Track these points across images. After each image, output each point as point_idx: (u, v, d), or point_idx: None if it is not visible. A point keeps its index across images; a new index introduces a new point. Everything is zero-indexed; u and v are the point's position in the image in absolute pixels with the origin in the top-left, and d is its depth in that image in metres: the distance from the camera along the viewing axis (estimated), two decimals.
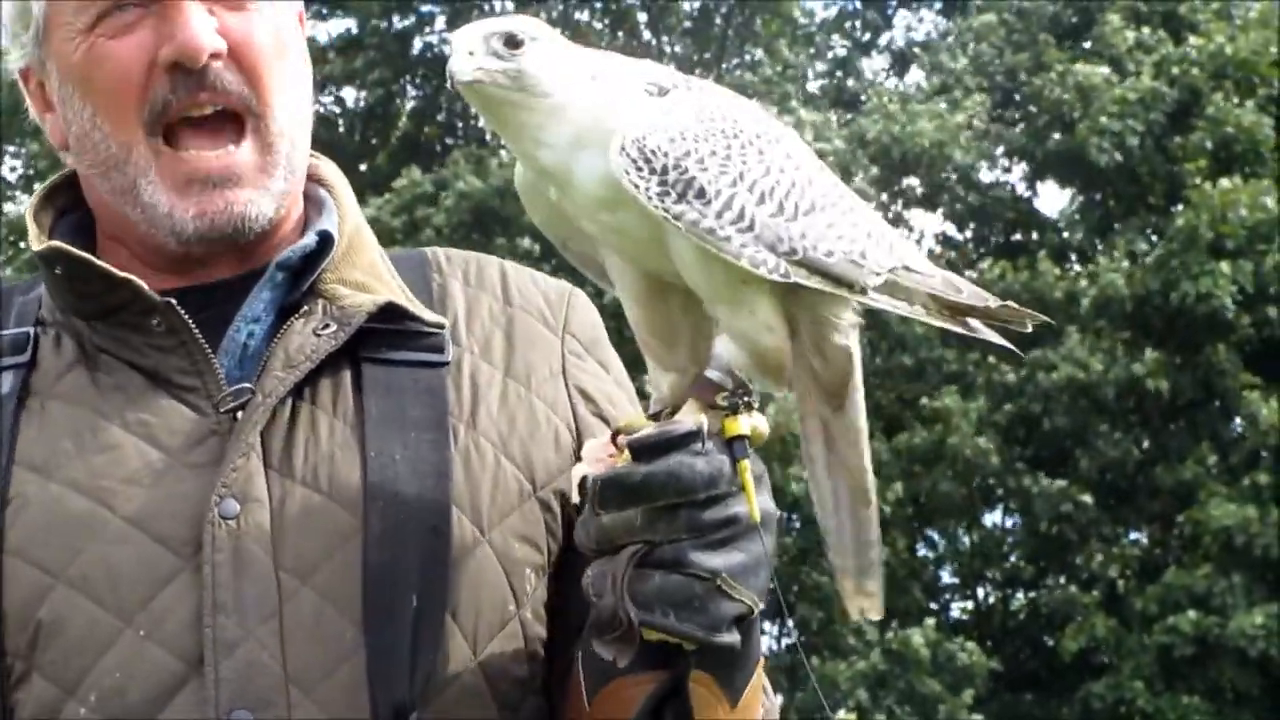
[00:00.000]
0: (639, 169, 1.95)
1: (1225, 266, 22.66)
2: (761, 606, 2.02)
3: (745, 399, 2.02)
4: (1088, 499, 23.25)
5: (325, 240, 2.31)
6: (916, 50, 29.65)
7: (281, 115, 2.26)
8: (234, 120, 2.25)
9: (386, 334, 2.26)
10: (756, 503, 2.00)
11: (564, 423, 2.30)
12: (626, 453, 2.00)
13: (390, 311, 2.26)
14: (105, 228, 2.34)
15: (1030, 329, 2.09)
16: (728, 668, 2.05)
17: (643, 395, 2.30)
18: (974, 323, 2.10)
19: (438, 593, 2.14)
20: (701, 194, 1.95)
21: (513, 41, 2.01)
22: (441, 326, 2.29)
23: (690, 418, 2.01)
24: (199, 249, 2.26)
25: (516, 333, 2.35)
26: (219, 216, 2.23)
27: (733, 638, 2.00)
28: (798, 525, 23.34)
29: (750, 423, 2.02)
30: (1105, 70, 24.19)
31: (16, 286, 2.37)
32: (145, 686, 2.08)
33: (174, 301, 2.21)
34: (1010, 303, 2.07)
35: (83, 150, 2.29)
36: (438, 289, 2.37)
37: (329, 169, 2.45)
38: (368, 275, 2.31)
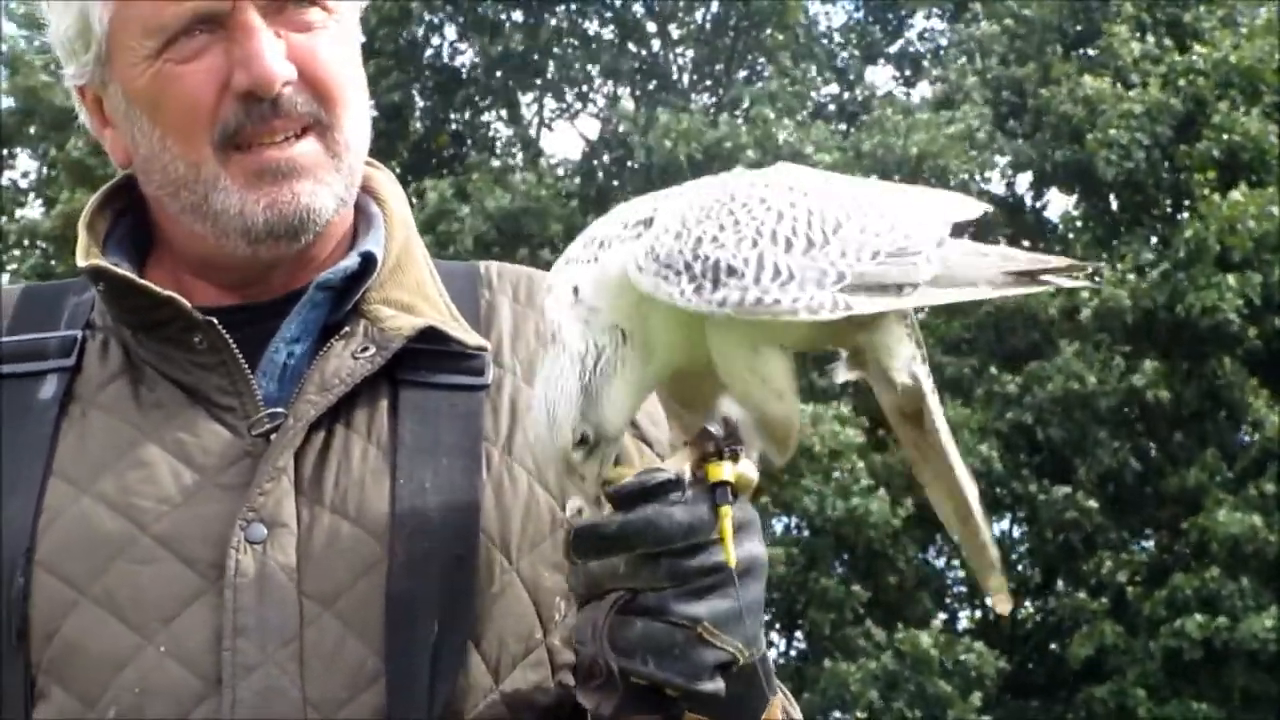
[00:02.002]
0: (665, 278, 1.92)
1: (1232, 279, 22.69)
2: (750, 654, 2.00)
3: (734, 447, 1.99)
4: (1093, 504, 23.26)
5: (368, 260, 2.30)
6: (924, 63, 29.67)
7: (350, 129, 2.26)
8: (303, 130, 2.25)
9: (426, 355, 2.25)
10: (741, 550, 1.97)
11: None
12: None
13: (430, 334, 2.26)
14: (166, 239, 2.34)
15: (1091, 273, 2.07)
16: (723, 714, 2.02)
17: None
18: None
19: (460, 621, 2.14)
20: (731, 271, 1.92)
21: (585, 441, 1.98)
22: (483, 349, 2.28)
23: (672, 466, 1.98)
24: (266, 249, 2.25)
25: None
26: (286, 207, 2.22)
27: (715, 686, 1.97)
28: (806, 534, 23.40)
29: (735, 469, 1.98)
30: (1110, 81, 24.20)
31: (70, 285, 2.37)
32: (163, 703, 2.08)
33: (215, 320, 2.21)
34: (1063, 259, 2.06)
35: (150, 170, 2.28)
36: (485, 306, 2.36)
37: (384, 180, 2.44)
38: (413, 295, 2.31)
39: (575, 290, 1.99)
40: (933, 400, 2.10)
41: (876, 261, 1.96)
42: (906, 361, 2.07)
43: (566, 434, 1.98)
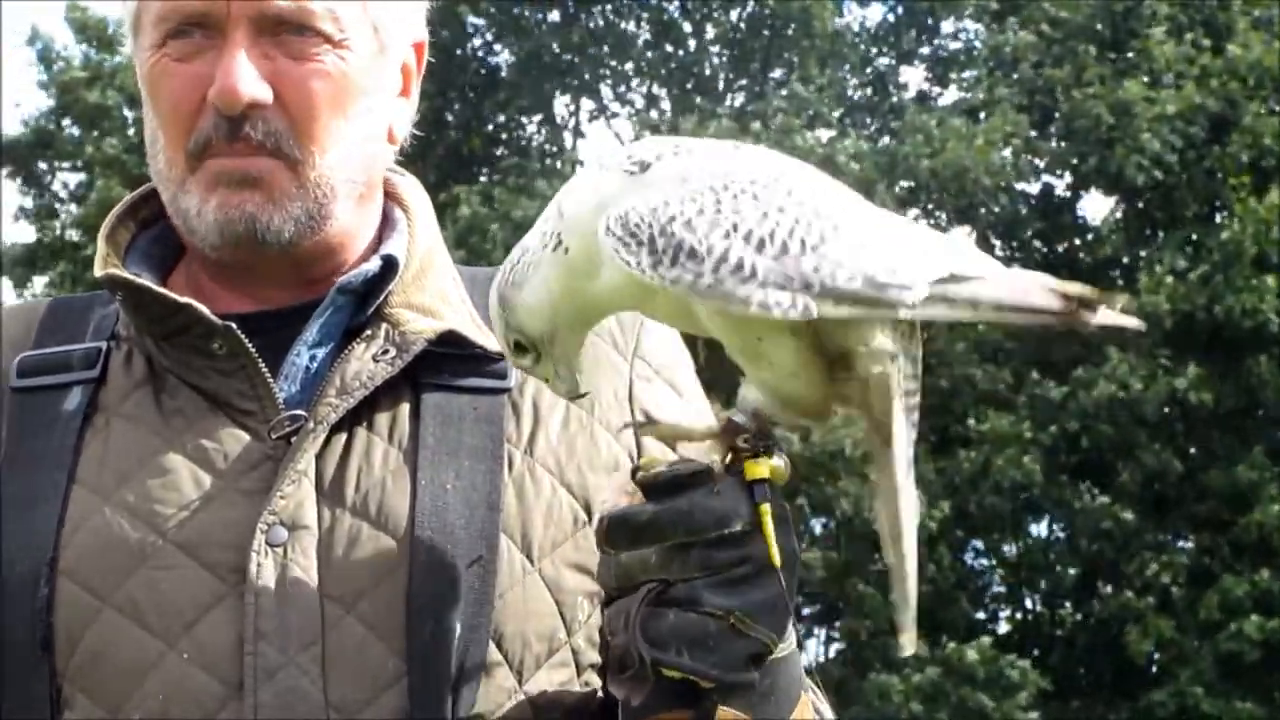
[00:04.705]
0: (626, 245, 1.91)
1: (1271, 281, 22.67)
2: (783, 644, 1.99)
3: (766, 442, 1.98)
4: (1129, 516, 23.20)
5: (390, 264, 2.31)
6: (951, 75, 29.60)
7: (324, 165, 2.26)
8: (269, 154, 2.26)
9: (448, 358, 2.26)
10: (775, 545, 1.96)
11: (626, 449, 2.30)
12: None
13: (451, 338, 2.26)
14: (190, 245, 2.36)
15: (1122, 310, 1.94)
16: (756, 706, 2.01)
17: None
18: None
19: (482, 623, 2.14)
20: (693, 254, 1.90)
21: (519, 348, 2.03)
22: (503, 355, 2.26)
23: (704, 457, 1.98)
24: (228, 254, 2.27)
25: (585, 356, 2.32)
26: (234, 212, 2.23)
27: (749, 676, 1.96)
28: (844, 538, 23.37)
29: (771, 464, 1.98)
30: (1145, 81, 24.16)
31: (97, 297, 2.39)
32: (187, 708, 2.09)
33: (234, 325, 2.22)
34: (1094, 290, 1.93)
35: (150, 153, 2.32)
36: None
37: (408, 187, 2.44)
38: (436, 299, 2.31)
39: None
40: (897, 407, 2.00)
41: (854, 285, 1.90)
42: (880, 354, 1.97)
43: (500, 343, 2.02)
